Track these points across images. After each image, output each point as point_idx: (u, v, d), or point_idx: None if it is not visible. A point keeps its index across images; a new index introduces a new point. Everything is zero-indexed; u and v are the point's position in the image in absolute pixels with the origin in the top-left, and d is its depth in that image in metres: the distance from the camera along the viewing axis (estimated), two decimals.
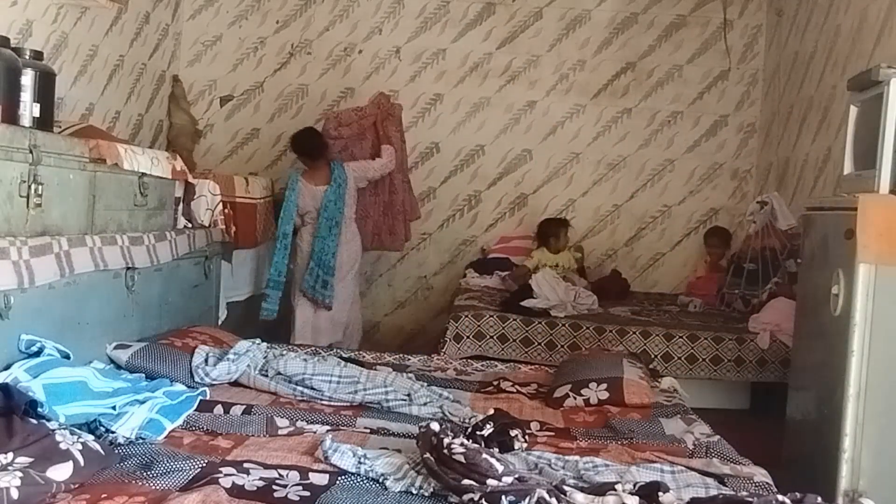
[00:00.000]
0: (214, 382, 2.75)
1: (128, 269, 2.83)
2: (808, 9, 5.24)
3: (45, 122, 2.66)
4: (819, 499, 1.79)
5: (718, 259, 5.71)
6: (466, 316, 4.58)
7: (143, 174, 3.01)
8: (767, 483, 2.07)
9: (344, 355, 3.37)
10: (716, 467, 2.16)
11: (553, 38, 6.11)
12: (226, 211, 4.10)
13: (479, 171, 6.17)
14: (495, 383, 3.17)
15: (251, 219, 4.59)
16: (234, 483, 1.90)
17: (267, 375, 2.84)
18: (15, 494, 1.61)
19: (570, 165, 6.15)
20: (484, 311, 4.65)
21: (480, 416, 2.41)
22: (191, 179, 3.63)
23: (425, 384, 2.93)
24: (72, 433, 1.91)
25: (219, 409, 2.51)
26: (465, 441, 2.02)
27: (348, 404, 2.70)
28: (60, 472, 1.75)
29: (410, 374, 3.11)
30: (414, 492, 1.92)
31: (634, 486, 1.84)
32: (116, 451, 2.02)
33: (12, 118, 2.47)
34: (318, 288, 4.82)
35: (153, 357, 2.74)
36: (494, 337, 4.55)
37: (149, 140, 5.57)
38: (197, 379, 2.74)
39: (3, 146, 2.19)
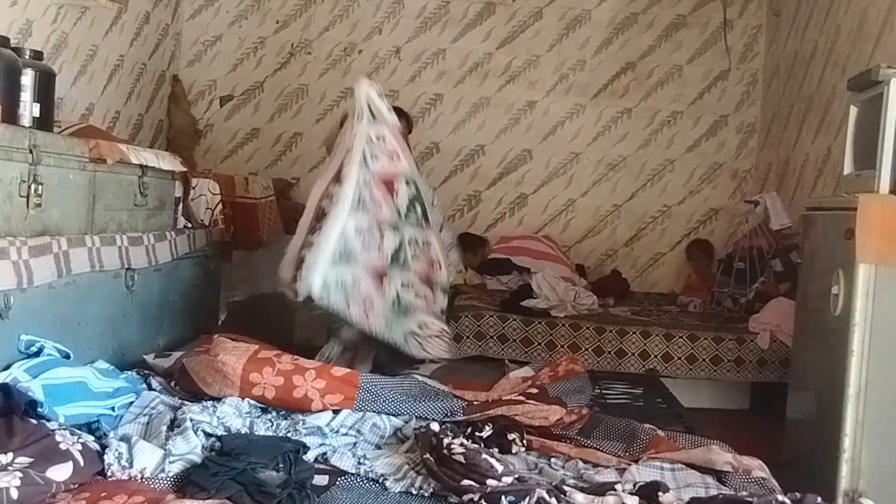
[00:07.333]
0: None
1: (127, 269, 2.83)
2: (807, 9, 5.23)
3: (45, 122, 2.66)
4: (819, 499, 1.79)
5: (704, 269, 5.71)
6: (466, 316, 4.58)
7: (144, 174, 3.01)
8: (763, 478, 2.06)
9: None
10: (717, 454, 2.15)
11: (553, 38, 6.11)
12: (226, 211, 4.09)
13: (479, 171, 6.17)
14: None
15: (252, 219, 4.57)
16: None
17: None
18: (15, 494, 1.60)
19: (569, 165, 6.15)
20: (484, 311, 4.65)
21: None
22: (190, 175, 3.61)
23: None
24: (72, 433, 1.91)
25: None
26: (465, 441, 2.02)
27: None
28: (60, 473, 1.74)
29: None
30: (414, 492, 1.91)
31: (634, 485, 1.84)
32: None
33: (12, 118, 2.47)
34: None
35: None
36: (494, 337, 4.55)
37: (149, 140, 5.57)
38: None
39: (2, 146, 2.18)
